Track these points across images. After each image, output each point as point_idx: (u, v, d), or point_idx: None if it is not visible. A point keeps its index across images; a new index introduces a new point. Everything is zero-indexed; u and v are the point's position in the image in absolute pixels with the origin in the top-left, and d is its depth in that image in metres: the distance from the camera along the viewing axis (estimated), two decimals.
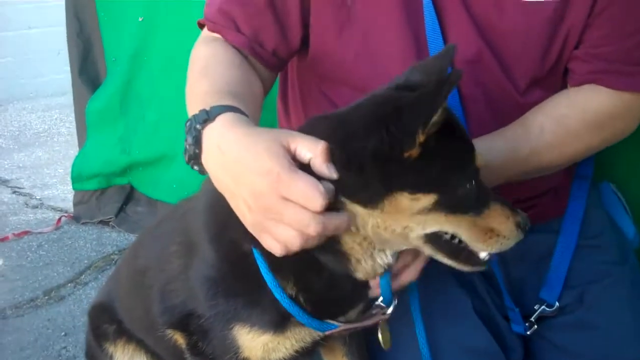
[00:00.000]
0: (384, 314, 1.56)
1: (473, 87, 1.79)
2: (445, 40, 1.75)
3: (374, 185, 1.30)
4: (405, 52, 1.76)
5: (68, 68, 3.90)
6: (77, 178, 3.73)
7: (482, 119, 1.82)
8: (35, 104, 6.58)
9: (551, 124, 1.77)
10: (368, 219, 1.32)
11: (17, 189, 4.43)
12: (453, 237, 1.39)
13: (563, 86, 1.87)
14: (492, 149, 1.71)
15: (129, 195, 3.70)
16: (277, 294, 1.47)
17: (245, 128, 1.36)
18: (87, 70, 3.68)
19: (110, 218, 3.71)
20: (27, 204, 4.18)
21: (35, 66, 6.94)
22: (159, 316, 1.74)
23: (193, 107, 1.54)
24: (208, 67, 1.71)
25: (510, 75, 1.80)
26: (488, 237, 1.38)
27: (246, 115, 1.44)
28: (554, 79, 1.85)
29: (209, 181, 1.55)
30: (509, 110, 1.82)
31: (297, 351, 1.62)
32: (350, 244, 1.36)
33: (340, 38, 1.80)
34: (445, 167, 1.32)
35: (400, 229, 1.34)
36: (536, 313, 1.95)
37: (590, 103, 1.80)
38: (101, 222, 3.74)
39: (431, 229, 1.35)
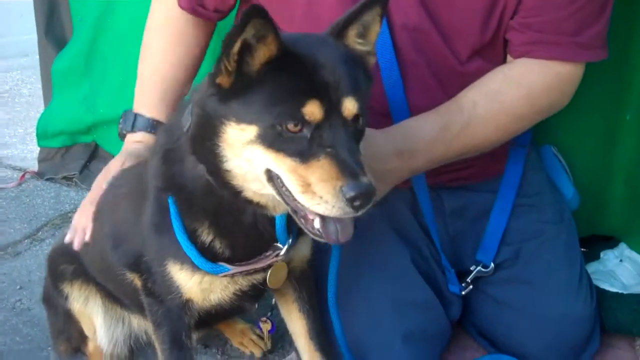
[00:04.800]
0: (278, 255, 1.63)
1: (414, 53, 1.86)
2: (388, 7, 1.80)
3: (212, 116, 1.41)
4: None
5: (31, 29, 3.85)
6: (42, 135, 3.71)
7: (426, 84, 1.89)
8: None
9: (484, 99, 1.83)
10: (219, 151, 1.42)
11: None
12: (280, 180, 1.39)
13: (504, 57, 1.94)
14: (425, 123, 1.79)
15: (94, 152, 3.70)
16: (180, 238, 1.58)
17: (129, 158, 2.05)
18: (54, 30, 3.64)
19: (74, 174, 3.71)
20: None
21: None
22: (117, 260, 1.81)
23: (138, 87, 2.20)
24: (151, 47, 2.20)
25: (450, 45, 1.87)
26: (308, 190, 1.34)
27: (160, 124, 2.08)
28: (494, 49, 1.92)
29: (162, 131, 1.65)
30: (451, 77, 1.90)
31: (235, 293, 1.71)
32: (236, 182, 1.47)
33: (286, 3, 1.89)
34: (267, 103, 1.37)
35: (245, 164, 1.41)
36: (472, 274, 2.04)
37: (524, 77, 1.86)
38: (65, 178, 3.74)
39: (260, 164, 1.39)
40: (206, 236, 1.59)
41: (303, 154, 1.34)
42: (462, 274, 2.07)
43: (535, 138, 2.25)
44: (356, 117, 1.39)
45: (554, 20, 1.81)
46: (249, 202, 1.49)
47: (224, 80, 1.39)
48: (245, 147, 1.38)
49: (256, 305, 1.95)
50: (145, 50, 2.18)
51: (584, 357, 2.06)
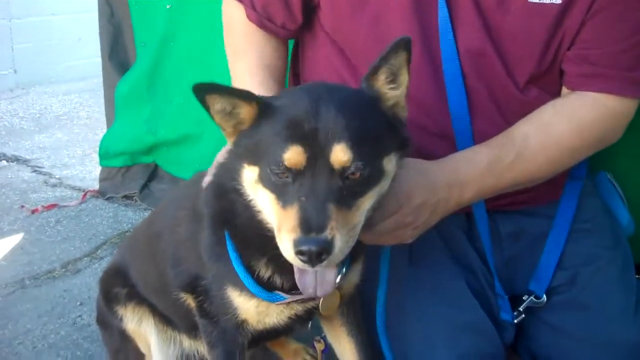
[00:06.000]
0: None
1: (476, 79, 1.88)
2: (454, 32, 1.84)
3: (234, 161, 1.52)
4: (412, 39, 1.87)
5: (89, 54, 3.99)
6: (104, 155, 3.86)
7: (486, 110, 1.91)
8: (56, 88, 6.71)
9: (535, 131, 1.85)
10: (243, 191, 1.52)
11: (37, 168, 4.55)
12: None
13: (559, 86, 1.95)
14: (477, 155, 1.81)
15: (153, 173, 3.83)
16: (239, 272, 1.64)
17: None
18: (117, 54, 3.80)
19: (134, 193, 3.84)
20: (46, 183, 4.30)
21: (57, 52, 7.06)
22: (173, 279, 1.86)
23: (236, 81, 2.01)
24: (244, 39, 2.08)
25: (510, 72, 1.89)
26: (279, 233, 1.40)
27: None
28: (550, 78, 1.93)
29: (220, 157, 1.69)
30: (510, 104, 1.92)
31: (290, 317, 1.75)
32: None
33: (352, 20, 1.92)
34: (260, 149, 1.44)
35: (255, 199, 1.50)
36: (524, 304, 2.04)
37: (575, 111, 1.87)
38: (125, 197, 3.87)
39: (264, 202, 1.46)
40: (264, 272, 1.64)
41: (285, 199, 1.39)
42: (515, 298, 2.06)
43: (589, 164, 2.24)
44: (349, 167, 1.39)
45: (611, 53, 1.83)
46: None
47: (227, 136, 1.51)
48: (255, 186, 1.46)
49: (309, 325, 1.95)
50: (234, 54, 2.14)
51: None
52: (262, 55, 2.05)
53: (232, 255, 1.63)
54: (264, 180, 1.43)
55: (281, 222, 1.39)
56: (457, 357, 1.86)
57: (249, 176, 1.47)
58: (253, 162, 1.46)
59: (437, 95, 1.90)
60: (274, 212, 1.42)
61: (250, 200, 1.51)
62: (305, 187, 1.37)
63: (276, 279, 1.63)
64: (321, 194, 1.36)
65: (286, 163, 1.37)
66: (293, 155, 1.37)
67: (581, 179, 2.15)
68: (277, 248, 1.47)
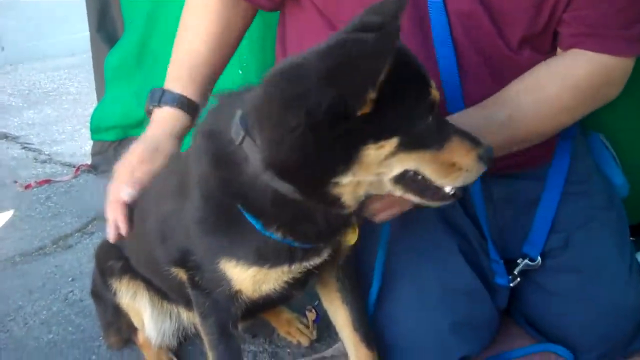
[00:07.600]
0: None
1: (466, 40, 1.84)
2: None
3: (340, 149, 1.35)
4: None
5: (77, 29, 3.94)
6: (96, 129, 3.81)
7: (477, 72, 1.87)
8: (45, 64, 6.66)
9: (528, 90, 1.81)
10: (346, 179, 1.40)
11: (26, 145, 4.51)
12: (417, 173, 1.43)
13: (553, 49, 1.90)
14: (468, 116, 1.76)
15: None
16: (266, 233, 1.57)
17: (149, 136, 1.99)
18: (105, 26, 3.74)
19: None
20: (36, 159, 4.26)
21: (45, 27, 6.99)
22: (162, 255, 1.82)
23: (170, 64, 2.16)
24: (188, 25, 2.13)
25: (501, 32, 1.84)
26: (451, 171, 1.43)
27: (188, 100, 2.04)
28: (545, 40, 1.89)
29: (204, 135, 1.62)
30: (502, 65, 1.87)
31: (287, 282, 1.71)
32: (340, 194, 1.44)
33: None
34: (401, 109, 1.35)
35: (373, 177, 1.42)
36: (519, 267, 2.02)
37: (569, 69, 1.83)
38: None
39: (398, 170, 1.41)
40: (276, 234, 1.58)
41: (436, 142, 1.40)
42: (509, 262, 2.04)
43: (581, 125, 2.21)
44: None
45: (606, 14, 1.78)
46: (334, 204, 1.47)
47: (366, 109, 1.32)
48: (383, 162, 1.37)
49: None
50: (182, 29, 2.14)
51: (633, 346, 2.03)
52: (221, 16, 2.05)
53: (254, 222, 1.55)
54: (410, 143, 1.36)
55: (451, 158, 1.42)
56: (451, 323, 1.85)
57: (377, 154, 1.35)
58: (386, 136, 1.34)
59: (426, 58, 1.86)
60: (430, 162, 1.41)
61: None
62: (441, 121, 1.45)
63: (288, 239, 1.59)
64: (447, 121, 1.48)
65: (433, 99, 1.40)
66: (435, 93, 1.41)
67: (571, 138, 2.12)
68: (299, 214, 1.49)
